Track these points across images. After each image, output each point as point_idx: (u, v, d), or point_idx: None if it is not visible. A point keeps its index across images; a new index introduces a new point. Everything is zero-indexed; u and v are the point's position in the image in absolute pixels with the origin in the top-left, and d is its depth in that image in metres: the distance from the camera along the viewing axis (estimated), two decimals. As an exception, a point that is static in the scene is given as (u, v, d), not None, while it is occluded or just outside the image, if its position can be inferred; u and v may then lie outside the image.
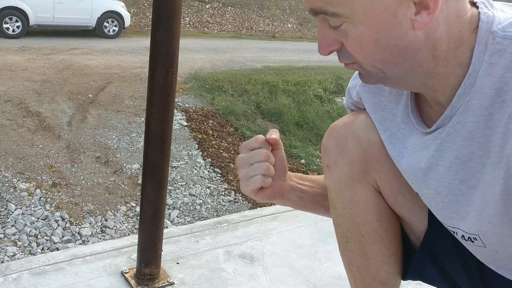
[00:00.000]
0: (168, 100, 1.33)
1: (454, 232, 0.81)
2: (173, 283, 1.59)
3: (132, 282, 1.56)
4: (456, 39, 0.68)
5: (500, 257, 0.78)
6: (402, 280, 1.00)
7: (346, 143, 0.91)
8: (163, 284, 1.58)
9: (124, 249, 1.74)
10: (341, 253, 1.02)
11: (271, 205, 2.37)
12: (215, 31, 15.93)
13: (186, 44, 11.74)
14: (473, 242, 0.78)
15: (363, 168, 0.90)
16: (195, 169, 6.45)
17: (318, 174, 7.49)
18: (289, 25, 17.89)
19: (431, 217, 0.90)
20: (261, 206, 4.71)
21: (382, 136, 0.88)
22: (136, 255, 1.60)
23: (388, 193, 0.91)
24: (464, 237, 0.79)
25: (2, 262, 3.95)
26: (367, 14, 0.66)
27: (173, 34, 1.26)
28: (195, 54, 11.26)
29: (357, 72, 0.94)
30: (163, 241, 1.60)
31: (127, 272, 1.60)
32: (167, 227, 4.17)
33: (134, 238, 1.73)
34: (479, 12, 0.69)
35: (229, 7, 17.49)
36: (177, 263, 1.70)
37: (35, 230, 4.58)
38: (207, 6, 17.00)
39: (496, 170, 0.68)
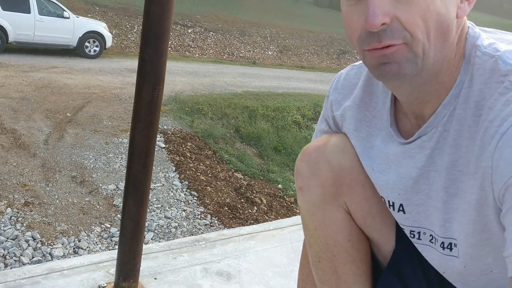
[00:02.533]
0: (153, 117, 1.37)
1: (435, 239, 0.84)
2: (150, 298, 1.60)
3: (109, 296, 1.57)
4: (458, 47, 0.75)
5: (468, 273, 0.81)
6: None
7: (318, 167, 0.94)
8: (140, 299, 1.59)
9: (102, 264, 1.75)
10: (313, 272, 1.05)
11: (249, 224, 2.40)
12: (197, 55, 16.07)
13: (167, 67, 11.72)
14: (451, 250, 0.81)
15: (334, 191, 0.94)
16: (172, 191, 6.43)
17: (295, 199, 7.52)
18: (269, 52, 18.18)
19: (399, 238, 0.94)
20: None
21: (366, 154, 0.91)
22: (114, 269, 1.61)
23: (358, 215, 0.95)
24: (443, 245, 0.82)
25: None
26: None
27: (161, 54, 1.31)
28: (176, 76, 11.32)
29: (337, 84, 0.99)
30: (141, 257, 1.62)
31: (105, 287, 1.60)
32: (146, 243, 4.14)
33: (113, 253, 1.74)
34: (468, 27, 0.76)
35: (211, 32, 17.70)
36: (155, 278, 1.71)
37: (4, 250, 4.48)
38: (189, 31, 17.18)
39: (473, 180, 0.73)
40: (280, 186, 7.54)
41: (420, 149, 0.80)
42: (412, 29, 0.67)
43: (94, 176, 6.25)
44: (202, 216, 6.04)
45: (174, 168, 7.02)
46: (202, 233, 5.63)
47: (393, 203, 0.90)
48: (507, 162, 0.66)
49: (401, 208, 0.89)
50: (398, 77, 0.71)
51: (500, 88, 0.69)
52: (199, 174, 7.07)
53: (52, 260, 4.49)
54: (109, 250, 4.79)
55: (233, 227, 5.60)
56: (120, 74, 10.86)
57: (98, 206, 5.66)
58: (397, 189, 0.86)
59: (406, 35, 0.67)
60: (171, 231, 5.53)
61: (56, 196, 5.61)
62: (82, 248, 4.81)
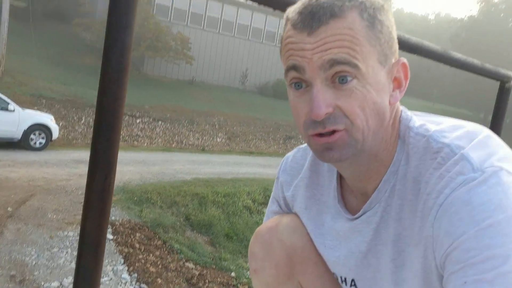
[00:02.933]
0: (105, 206, 1.37)
1: None
2: None
3: None
4: (393, 129, 0.82)
5: None
6: None
7: (271, 248, 0.97)
8: None
9: None
10: None
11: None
12: (145, 144, 16.07)
13: (115, 157, 11.62)
14: None
15: (288, 271, 0.96)
16: (120, 285, 6.11)
17: (248, 287, 7.29)
18: (218, 139, 18.47)
19: None
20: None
21: (318, 231, 0.95)
22: None
23: None
24: None
25: None
26: (374, 76, 0.74)
27: (113, 144, 1.34)
28: (123, 166, 11.18)
29: (286, 166, 1.04)
30: None
31: None
32: None
33: None
34: (401, 110, 0.85)
35: (160, 122, 17.89)
36: None
37: None
38: (138, 121, 17.29)
39: (417, 250, 0.77)
40: (233, 274, 7.34)
41: (367, 224, 0.85)
42: (352, 117, 0.74)
43: (35, 273, 5.87)
44: (153, 310, 5.72)
45: (122, 260, 6.73)
46: (153, 329, 5.31)
47: (345, 278, 0.92)
48: (446, 232, 0.71)
49: (353, 283, 0.91)
50: (343, 161, 0.79)
51: (434, 164, 0.76)
52: (148, 265, 6.80)
53: None
54: None
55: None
56: (66, 166, 10.62)
57: (39, 307, 5.26)
58: (349, 264, 0.90)
59: (347, 122, 0.75)
60: (119, 329, 5.18)
61: (-8, 298, 5.19)
62: None
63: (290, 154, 1.07)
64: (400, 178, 0.80)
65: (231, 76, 25.65)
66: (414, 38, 1.34)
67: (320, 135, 0.76)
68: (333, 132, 0.75)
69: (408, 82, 0.79)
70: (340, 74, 0.73)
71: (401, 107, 0.86)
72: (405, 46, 1.27)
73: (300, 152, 1.04)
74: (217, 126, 19.38)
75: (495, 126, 1.97)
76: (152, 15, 21.78)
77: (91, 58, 21.93)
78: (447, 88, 38.61)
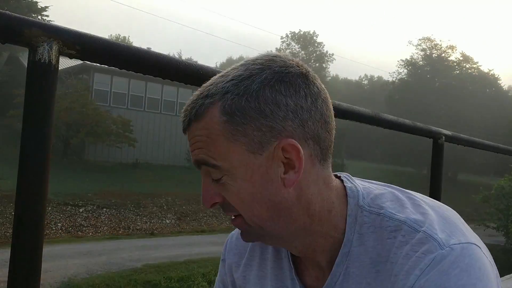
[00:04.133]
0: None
1: None
2: None
3: None
4: (328, 203, 0.77)
5: None
6: None
7: None
8: None
9: None
10: None
11: None
12: (90, 233, 15.35)
13: (58, 251, 11.02)
14: None
15: None
16: None
17: None
18: (167, 221, 17.98)
19: None
20: None
21: None
22: None
23: None
24: None
25: None
26: (244, 169, 0.72)
27: (37, 240, 1.22)
28: (68, 260, 10.55)
29: (231, 245, 0.98)
30: None
31: None
32: None
33: None
34: (344, 186, 0.80)
35: (104, 209, 17.27)
36: None
37: None
38: (81, 210, 16.62)
39: None
40: None
41: None
42: (236, 208, 0.75)
43: None
44: None
45: None
46: None
47: None
48: None
49: None
50: (259, 239, 0.81)
51: (396, 243, 0.72)
52: None
53: None
54: None
55: None
56: (4, 266, 9.87)
57: None
58: None
59: (235, 211, 0.76)
60: None
61: None
62: None
63: (233, 232, 1.01)
64: (353, 260, 0.76)
65: (176, 154, 25.55)
66: (344, 104, 1.36)
67: None
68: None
69: (302, 161, 0.73)
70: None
71: (344, 177, 0.82)
72: (337, 112, 1.27)
73: None
74: (165, 207, 18.94)
75: (435, 180, 2.01)
76: (91, 101, 21.70)
77: (29, 150, 21.19)
78: (388, 149, 40.32)
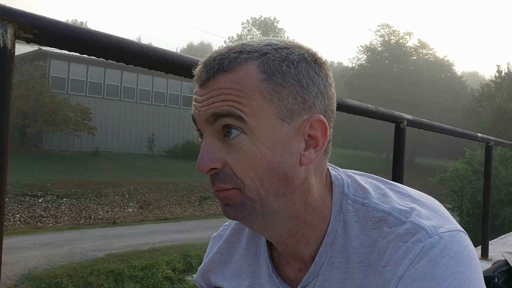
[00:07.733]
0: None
1: None
2: None
3: None
4: (321, 192, 0.75)
5: None
6: None
7: None
8: None
9: None
10: None
11: None
12: (50, 224, 14.98)
13: (17, 243, 10.70)
14: None
15: None
16: None
17: None
18: (129, 210, 17.74)
19: None
20: None
21: None
22: None
23: None
24: None
25: None
26: (269, 133, 0.68)
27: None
28: (27, 252, 10.27)
29: (208, 256, 0.94)
30: None
31: None
32: None
33: None
34: (330, 174, 0.78)
35: (64, 199, 16.86)
36: None
37: None
38: (40, 200, 16.16)
39: None
40: None
41: None
42: (242, 176, 0.69)
43: None
44: None
45: None
46: None
47: None
48: None
49: None
50: (241, 219, 0.73)
51: (382, 234, 0.71)
52: None
53: None
54: None
55: None
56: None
57: None
58: None
59: (237, 181, 0.69)
60: None
61: None
62: None
63: (215, 234, 0.98)
64: (338, 250, 0.74)
65: (138, 142, 25.13)
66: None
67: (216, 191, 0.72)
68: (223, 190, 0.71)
69: (327, 140, 0.72)
70: (226, 127, 0.69)
71: (330, 168, 0.80)
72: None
73: (227, 230, 0.95)
74: (127, 195, 18.67)
75: (397, 163, 2.06)
76: (48, 89, 20.97)
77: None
78: (348, 133, 41.01)
